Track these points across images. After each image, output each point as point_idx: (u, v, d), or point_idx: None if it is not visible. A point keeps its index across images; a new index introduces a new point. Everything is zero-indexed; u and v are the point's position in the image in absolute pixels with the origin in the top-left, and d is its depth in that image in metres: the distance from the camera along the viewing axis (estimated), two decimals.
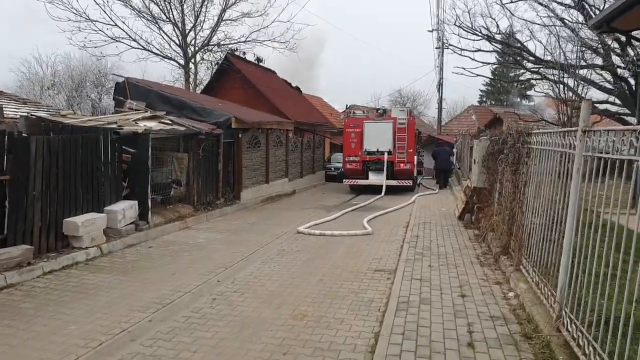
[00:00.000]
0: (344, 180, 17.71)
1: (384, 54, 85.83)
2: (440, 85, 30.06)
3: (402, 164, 17.04)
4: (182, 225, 9.33)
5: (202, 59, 20.05)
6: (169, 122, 9.99)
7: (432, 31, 30.03)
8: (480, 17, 27.86)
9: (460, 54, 18.82)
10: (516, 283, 5.17)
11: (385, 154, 16.99)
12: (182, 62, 19.03)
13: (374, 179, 17.25)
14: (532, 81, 23.87)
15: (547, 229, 4.63)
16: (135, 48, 18.03)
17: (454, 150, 25.99)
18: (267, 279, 6.03)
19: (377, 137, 17.14)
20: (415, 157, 18.49)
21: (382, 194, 16.32)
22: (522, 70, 29.07)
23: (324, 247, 7.92)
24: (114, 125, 8.37)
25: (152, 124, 9.36)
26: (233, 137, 12.21)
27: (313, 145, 20.15)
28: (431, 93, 66.70)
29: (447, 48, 25.39)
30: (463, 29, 18.26)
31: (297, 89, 28.64)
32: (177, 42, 18.59)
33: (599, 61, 14.91)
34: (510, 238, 6.29)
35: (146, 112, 10.47)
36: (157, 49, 18.62)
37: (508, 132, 7.01)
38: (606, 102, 16.73)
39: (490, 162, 8.55)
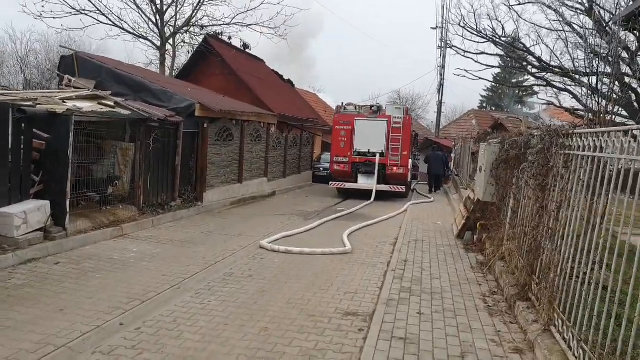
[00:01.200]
0: (330, 182, 15.97)
1: (383, 46, 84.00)
2: (440, 86, 28.39)
3: (395, 168, 15.31)
4: (116, 233, 7.53)
5: (184, 41, 18.18)
6: (111, 104, 8.19)
7: (435, 28, 28.36)
8: (486, 19, 26.14)
9: (464, 56, 17.56)
10: (548, 356, 3.43)
11: (377, 155, 15.27)
12: (158, 43, 17.13)
13: (363, 182, 15.52)
14: (535, 88, 22.56)
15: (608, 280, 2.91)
16: (103, 23, 16.11)
17: (452, 155, 24.59)
18: (190, 323, 4.27)
19: (369, 137, 15.41)
20: (410, 160, 16.78)
21: (372, 199, 14.61)
22: (525, 77, 27.61)
23: (286, 271, 6.17)
24: (30, 103, 6.56)
25: (86, 105, 7.56)
26: (198, 127, 10.41)
27: (300, 142, 18.38)
28: (430, 95, 64.86)
29: (450, 48, 23.89)
30: (467, 30, 16.96)
31: (289, 82, 26.88)
32: (153, 20, 16.68)
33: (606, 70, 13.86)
34: (532, 277, 4.57)
35: (87, 90, 8.66)
36: (131, 27, 16.70)
37: (532, 133, 5.29)
38: (612, 112, 15.26)
39: (501, 171, 6.83)
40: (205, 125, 10.40)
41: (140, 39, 17.07)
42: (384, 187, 15.27)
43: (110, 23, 16.02)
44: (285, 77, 24.89)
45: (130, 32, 16.47)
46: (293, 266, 6.45)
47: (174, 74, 18.39)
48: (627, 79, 12.59)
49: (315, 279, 5.85)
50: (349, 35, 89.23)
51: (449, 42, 26.01)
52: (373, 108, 16.06)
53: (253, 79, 17.53)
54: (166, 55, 17.32)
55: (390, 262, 6.69)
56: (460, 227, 8.49)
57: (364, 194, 15.00)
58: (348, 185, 15.64)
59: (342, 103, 16.19)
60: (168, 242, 7.54)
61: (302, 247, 7.50)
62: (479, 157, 7.87)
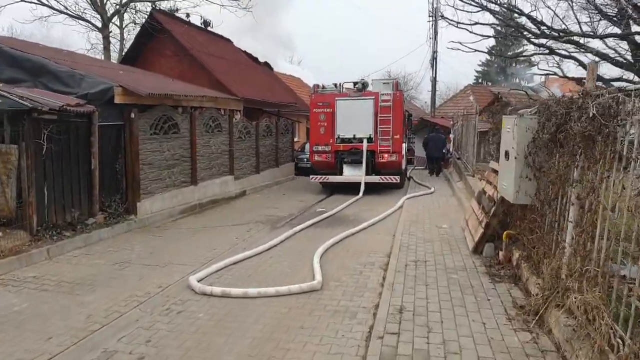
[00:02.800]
0: (310, 176, 13.53)
1: (370, 20, 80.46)
2: (434, 59, 25.77)
3: (386, 155, 12.88)
4: None
5: (134, 22, 15.43)
6: None
7: None
8: None
9: (457, 26, 15.09)
10: None
11: (365, 141, 12.84)
12: (100, 24, 14.41)
13: (349, 174, 13.11)
14: (536, 58, 20.55)
15: None
16: (25, 1, 13.36)
17: (451, 135, 22.33)
18: None
19: (354, 119, 12.95)
20: (404, 144, 14.34)
21: (360, 194, 12.24)
22: (525, 45, 25.62)
23: (209, 340, 3.78)
24: None
25: None
26: (124, 117, 7.91)
27: (276, 131, 15.86)
28: (423, 70, 60.69)
29: (442, 19, 21.36)
30: None
31: (266, 64, 24.25)
32: None
33: (616, 31, 12.03)
34: None
35: None
36: (63, 5, 13.94)
37: (625, 89, 2.87)
38: (620, 79, 13.08)
39: (545, 157, 4.42)
40: (133, 115, 7.87)
41: (78, 20, 14.32)
42: (374, 179, 12.88)
43: (36, 1, 13.24)
44: (262, 60, 22.29)
45: (57, 10, 13.67)
46: (225, 325, 4.07)
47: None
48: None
49: (256, 352, 3.46)
50: (332, 10, 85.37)
51: (440, 12, 23.51)
52: (357, 85, 13.54)
53: (213, 60, 14.90)
54: (112, 39, 14.60)
55: (377, 310, 4.29)
56: (477, 237, 6.09)
57: (352, 187, 12.61)
58: (331, 178, 13.23)
59: (321, 84, 13.67)
60: (53, 286, 5.11)
61: (248, 283, 5.12)
62: (503, 136, 5.45)
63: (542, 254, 4.46)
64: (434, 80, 26.16)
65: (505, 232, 5.55)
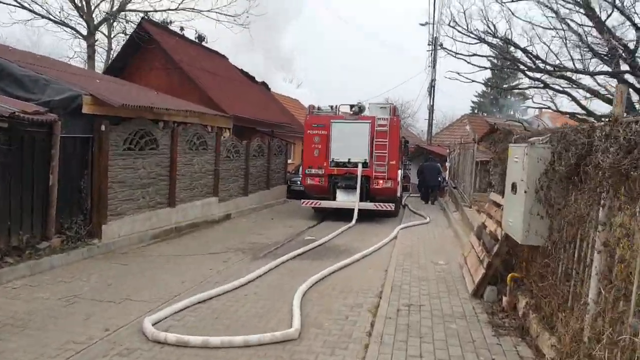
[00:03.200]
0: (302, 200, 12.86)
1: (370, 39, 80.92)
2: (432, 87, 25.60)
3: (381, 181, 12.27)
4: None
5: (124, 33, 15.00)
6: None
7: (425, 24, 25.73)
8: (477, 18, 23.71)
9: (455, 56, 15.26)
10: None
11: (359, 165, 12.24)
12: (85, 32, 13.94)
13: (343, 200, 12.45)
14: (530, 91, 20.63)
15: None
16: (4, 3, 12.75)
17: (447, 164, 21.95)
18: None
19: (349, 143, 12.40)
20: (400, 171, 13.78)
21: (353, 222, 11.56)
22: (520, 79, 26.01)
23: None
24: None
25: None
26: (93, 129, 7.26)
27: (269, 151, 15.27)
28: (421, 98, 60.99)
29: (441, 49, 21.35)
30: (458, 31, 14.68)
31: (264, 84, 23.98)
32: (76, 3, 13.46)
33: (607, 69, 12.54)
34: None
35: None
36: (46, 11, 13.43)
37: None
38: (608, 116, 12.79)
39: (560, 192, 3.79)
40: (104, 128, 7.23)
41: (62, 26, 13.81)
42: (368, 205, 12.22)
43: (17, 4, 12.73)
44: (260, 80, 21.98)
45: (38, 14, 13.12)
46: None
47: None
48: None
49: None
50: (333, 34, 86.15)
51: (439, 42, 23.53)
52: (354, 108, 13.04)
53: (205, 75, 14.43)
54: (99, 48, 14.12)
55: None
56: (478, 279, 5.39)
57: (345, 214, 11.96)
58: (324, 203, 12.56)
59: (316, 105, 13.18)
60: None
61: (214, 327, 4.38)
62: (510, 167, 4.85)
63: (556, 306, 3.77)
64: (431, 108, 25.95)
65: (509, 275, 4.86)
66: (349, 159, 12.42)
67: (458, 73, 14.74)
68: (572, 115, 13.92)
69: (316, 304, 5.23)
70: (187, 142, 10.01)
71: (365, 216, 12.19)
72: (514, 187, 4.60)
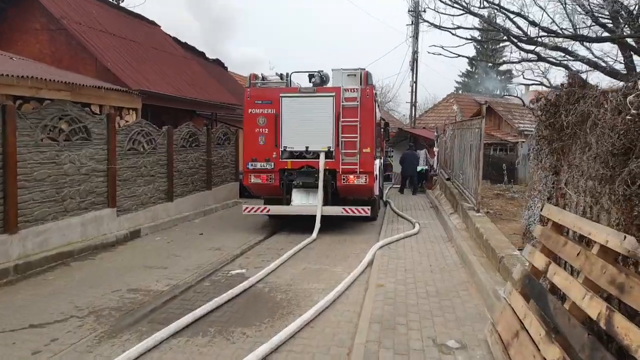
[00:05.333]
0: (244, 205, 9.36)
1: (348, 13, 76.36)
2: (414, 61, 22.21)
3: (351, 176, 8.89)
4: None
5: None
6: None
7: None
8: None
9: (439, 27, 13.18)
10: None
11: (322, 156, 8.87)
12: None
13: (300, 203, 9.06)
14: (522, 66, 18.31)
15: None
16: None
17: (435, 149, 18.96)
18: None
19: (307, 126, 9.00)
20: (378, 161, 10.41)
21: (314, 235, 8.30)
22: (508, 54, 24.33)
23: None
24: None
25: None
26: None
27: (208, 140, 11.69)
28: (402, 76, 56.00)
29: (423, 22, 18.29)
30: (440, 0, 12.81)
31: (218, 62, 20.23)
32: None
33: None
34: None
35: None
36: None
37: None
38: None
39: None
40: None
41: None
42: (334, 210, 8.88)
43: None
44: (205, 54, 18.17)
45: None
46: None
47: None
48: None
49: None
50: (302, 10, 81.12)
51: (421, 8, 20.26)
52: (314, 79, 9.55)
53: (110, 42, 10.59)
54: None
55: None
56: None
57: (309, 219, 8.61)
58: (274, 209, 9.16)
59: (260, 74, 9.59)
60: None
61: None
62: None
63: None
64: (414, 85, 22.57)
65: None
66: (307, 148, 9.01)
67: (442, 47, 13.05)
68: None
69: None
70: (42, 127, 6.34)
71: (334, 224, 8.93)
72: None
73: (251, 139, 9.12)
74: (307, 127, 8.94)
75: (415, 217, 10.18)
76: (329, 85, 9.50)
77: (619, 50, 12.10)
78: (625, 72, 10.97)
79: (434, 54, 14.94)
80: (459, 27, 14.49)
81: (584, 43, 12.22)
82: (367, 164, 8.83)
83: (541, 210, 3.59)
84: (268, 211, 9.12)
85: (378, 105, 11.72)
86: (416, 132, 22.03)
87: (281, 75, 9.50)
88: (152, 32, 14.00)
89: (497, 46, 42.40)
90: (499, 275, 5.00)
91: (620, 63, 11.33)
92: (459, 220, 8.61)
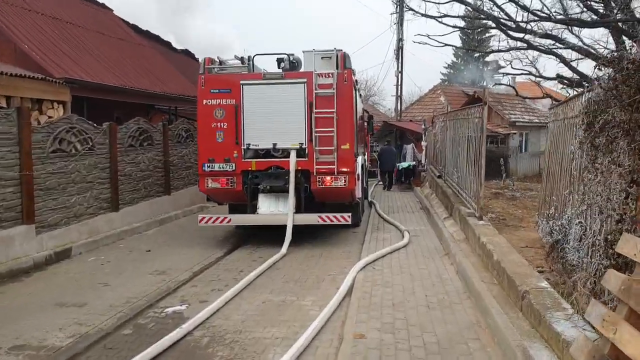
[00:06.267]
0: (200, 215, 7.83)
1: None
2: (399, 49, 20.83)
3: (328, 177, 7.45)
4: None
5: None
6: None
7: None
8: None
9: (424, 15, 12.85)
10: None
11: (292, 154, 7.40)
12: None
13: (268, 211, 7.60)
14: (510, 55, 17.54)
15: None
16: None
17: (422, 143, 17.91)
18: None
19: (274, 118, 7.51)
20: (360, 158, 8.98)
21: (284, 249, 6.86)
22: (495, 43, 24.02)
23: None
24: None
25: None
26: None
27: (164, 137, 10.11)
28: (388, 63, 53.08)
29: (408, 11, 17.04)
30: None
31: (186, 52, 18.60)
32: None
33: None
34: None
35: None
36: None
37: None
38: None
39: None
40: None
41: None
42: (308, 219, 7.44)
43: None
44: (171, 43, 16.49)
45: None
46: None
47: None
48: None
49: None
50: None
51: (406, 1, 18.95)
52: (283, 64, 8.02)
53: (31, 21, 8.89)
54: None
55: None
56: None
57: (279, 229, 7.18)
58: (237, 219, 7.73)
59: (217, 58, 8.03)
60: None
61: None
62: None
63: None
64: (399, 75, 21.19)
65: None
66: (275, 145, 7.52)
67: (428, 36, 12.64)
68: (561, 78, 12.80)
69: None
70: None
71: (309, 231, 7.54)
72: None
73: (207, 136, 7.59)
74: (274, 121, 7.45)
75: (404, 222, 8.81)
76: (302, 70, 8.00)
77: (610, 37, 11.45)
78: None
79: (419, 43, 13.70)
80: (445, 15, 13.66)
81: (574, 30, 11.95)
82: (346, 162, 7.40)
83: (613, 241, 2.19)
84: (229, 221, 7.64)
85: (359, 94, 10.31)
86: (402, 125, 20.76)
87: (242, 59, 7.98)
88: (100, 16, 12.26)
89: (484, 36, 41.50)
90: (521, 316, 3.63)
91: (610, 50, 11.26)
92: (456, 228, 7.24)
